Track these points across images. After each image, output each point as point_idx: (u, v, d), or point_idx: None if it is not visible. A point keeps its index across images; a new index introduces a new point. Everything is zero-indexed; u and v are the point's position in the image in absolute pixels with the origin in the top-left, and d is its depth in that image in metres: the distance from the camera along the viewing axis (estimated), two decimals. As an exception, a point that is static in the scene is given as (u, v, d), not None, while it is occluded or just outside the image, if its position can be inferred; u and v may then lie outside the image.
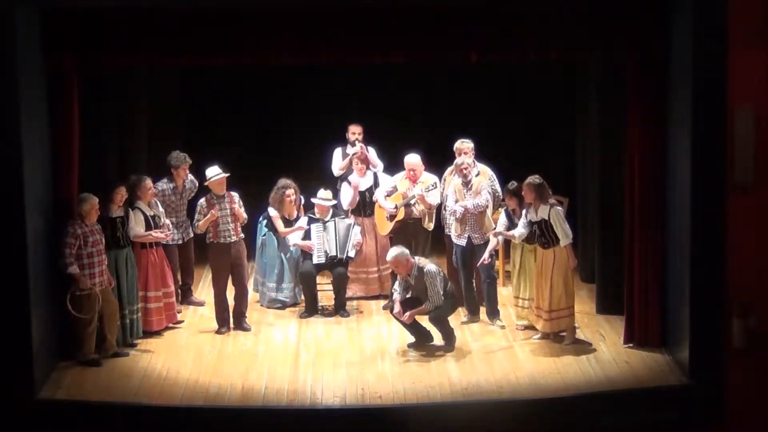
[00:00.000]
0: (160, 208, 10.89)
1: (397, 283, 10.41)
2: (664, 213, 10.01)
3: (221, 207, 10.73)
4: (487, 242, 10.73)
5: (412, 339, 10.54)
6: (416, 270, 10.18)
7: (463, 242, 10.82)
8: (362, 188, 11.79)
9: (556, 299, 10.26)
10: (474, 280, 11.06)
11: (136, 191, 10.61)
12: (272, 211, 11.51)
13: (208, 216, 10.67)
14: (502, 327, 10.79)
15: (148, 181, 10.74)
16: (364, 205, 11.77)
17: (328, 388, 9.53)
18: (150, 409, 9.18)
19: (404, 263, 10.20)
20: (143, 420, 9.14)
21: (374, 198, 11.83)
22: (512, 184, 10.73)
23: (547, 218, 10.19)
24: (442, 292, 10.18)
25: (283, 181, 11.56)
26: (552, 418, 9.19)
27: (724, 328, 9.39)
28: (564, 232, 10.22)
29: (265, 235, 11.61)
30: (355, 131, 12.10)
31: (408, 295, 10.36)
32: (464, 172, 10.89)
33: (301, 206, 11.72)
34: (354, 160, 11.82)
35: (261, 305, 11.60)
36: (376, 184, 11.84)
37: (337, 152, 12.13)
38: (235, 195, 10.89)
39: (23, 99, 9.04)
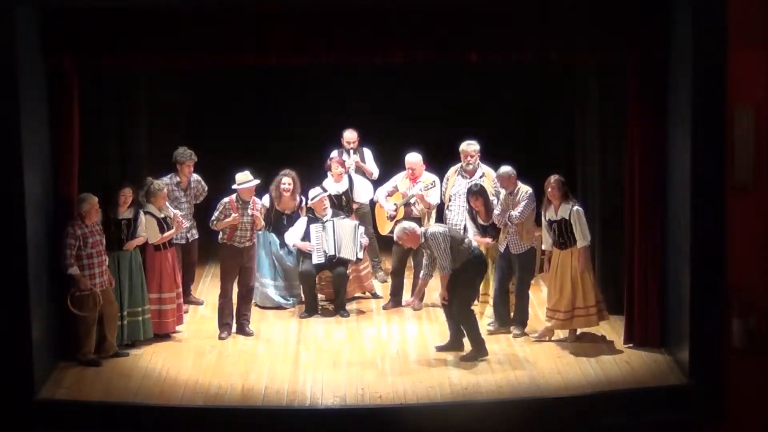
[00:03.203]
0: (171, 210, 10.84)
1: (424, 259, 10.24)
2: (664, 213, 10.01)
3: (244, 213, 10.70)
4: (526, 251, 10.54)
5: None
6: (422, 238, 10.03)
7: (501, 248, 10.66)
8: (337, 192, 11.76)
9: (583, 298, 10.23)
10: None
11: (149, 196, 10.57)
12: (265, 200, 11.38)
13: (230, 219, 10.63)
14: (517, 335, 10.69)
15: (165, 190, 10.73)
16: (341, 209, 11.73)
17: (328, 388, 9.53)
18: (150, 409, 9.19)
19: (407, 236, 10.05)
20: (143, 420, 9.14)
21: (375, 197, 11.84)
22: (476, 185, 10.72)
23: (567, 218, 10.16)
24: (447, 256, 9.87)
25: (284, 170, 11.51)
26: (552, 418, 9.19)
27: (724, 328, 9.40)
28: (582, 234, 10.18)
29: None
30: (349, 140, 12.04)
31: (431, 269, 10.15)
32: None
33: (302, 206, 11.68)
34: (333, 164, 11.78)
35: (255, 303, 11.51)
36: (351, 187, 11.83)
37: (334, 155, 12.08)
38: (259, 201, 10.86)
39: (23, 99, 9.05)
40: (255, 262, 11.00)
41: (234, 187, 10.76)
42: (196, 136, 12.85)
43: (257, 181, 10.79)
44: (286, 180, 11.43)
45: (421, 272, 10.33)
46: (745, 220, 9.34)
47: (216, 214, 10.77)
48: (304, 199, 11.62)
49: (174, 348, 10.50)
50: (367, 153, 12.24)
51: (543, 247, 10.61)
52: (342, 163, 11.81)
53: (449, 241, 9.91)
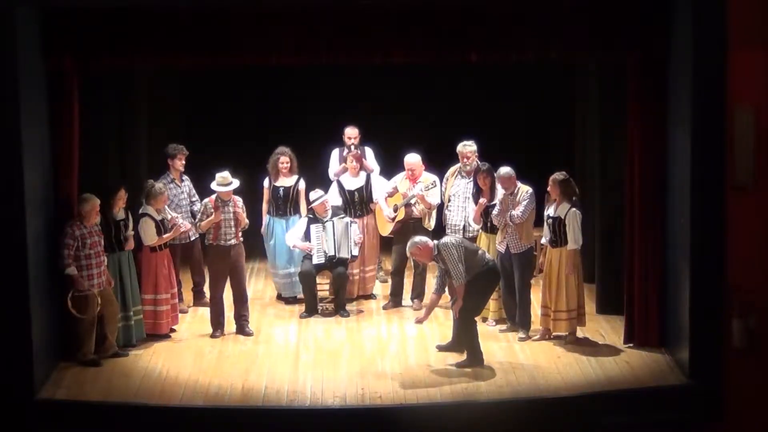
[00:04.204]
0: (169, 213, 10.88)
1: (436, 273, 10.16)
2: (664, 213, 10.01)
3: (225, 210, 10.73)
4: (524, 251, 10.53)
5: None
6: (436, 250, 9.90)
7: (502, 249, 10.67)
8: (353, 188, 11.78)
9: (564, 300, 10.26)
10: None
11: (150, 198, 10.60)
12: (266, 183, 11.59)
13: (212, 218, 10.67)
14: (522, 339, 10.64)
15: (166, 193, 10.80)
16: (354, 206, 11.74)
17: (328, 388, 9.52)
18: (150, 409, 9.18)
19: (419, 251, 9.93)
20: (143, 420, 9.14)
21: (375, 199, 11.82)
22: (484, 164, 10.79)
23: (563, 217, 10.19)
24: (462, 267, 9.77)
25: (279, 148, 11.64)
26: (552, 418, 9.19)
27: (724, 328, 9.40)
28: (574, 237, 10.19)
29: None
30: (351, 135, 12.03)
31: (442, 284, 10.04)
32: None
33: (300, 188, 11.69)
34: (348, 158, 11.80)
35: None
36: (368, 185, 11.83)
37: (335, 154, 12.10)
38: (239, 199, 10.88)
39: (23, 99, 9.05)
40: (243, 260, 10.98)
41: (213, 187, 10.77)
42: (196, 136, 12.85)
43: (237, 184, 10.80)
44: (284, 159, 11.60)
45: (433, 288, 10.18)
46: (745, 220, 9.33)
47: (199, 215, 10.85)
48: (302, 181, 11.69)
49: (174, 348, 10.50)
50: (368, 151, 12.23)
51: (541, 241, 10.64)
52: (358, 157, 11.80)
53: (462, 251, 9.83)
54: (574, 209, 10.23)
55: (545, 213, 10.45)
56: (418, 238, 10.05)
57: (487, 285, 10.06)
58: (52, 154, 9.72)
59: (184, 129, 13.46)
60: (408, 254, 10.22)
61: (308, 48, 9.82)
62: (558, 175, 10.31)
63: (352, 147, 11.95)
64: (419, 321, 10.20)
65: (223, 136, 13.71)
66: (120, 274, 10.28)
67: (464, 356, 10.05)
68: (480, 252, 10.10)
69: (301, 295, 11.67)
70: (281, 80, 13.65)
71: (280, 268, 11.74)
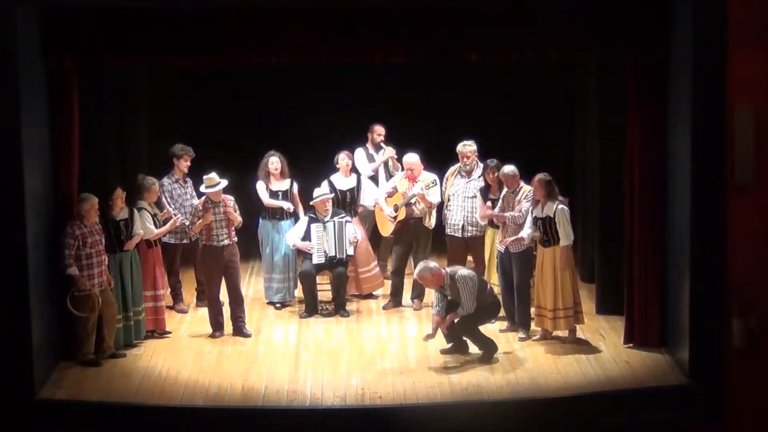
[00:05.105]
0: (164, 208, 10.90)
1: (434, 296, 10.19)
2: (664, 213, 10.01)
3: (216, 211, 10.73)
4: (524, 251, 10.54)
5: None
6: (449, 279, 9.97)
7: (502, 248, 10.69)
8: (344, 188, 11.77)
9: (561, 298, 10.27)
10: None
11: (143, 191, 10.62)
12: (259, 185, 11.57)
13: (202, 220, 10.68)
14: (522, 339, 10.65)
15: (157, 185, 10.83)
16: (344, 206, 11.71)
17: (328, 388, 9.53)
18: (150, 409, 9.19)
19: (431, 277, 10.00)
20: (143, 420, 9.14)
21: (375, 200, 11.82)
22: (492, 161, 10.87)
23: (552, 216, 10.20)
24: (472, 300, 9.91)
25: (269, 152, 11.62)
26: (552, 418, 9.20)
27: (724, 328, 9.40)
28: (565, 233, 10.22)
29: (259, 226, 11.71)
30: (380, 132, 12.07)
31: (445, 306, 10.07)
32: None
33: (294, 192, 11.69)
34: (341, 155, 11.77)
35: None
36: (358, 186, 11.82)
37: (360, 153, 12.08)
38: (230, 199, 10.88)
39: (23, 99, 9.05)
40: (238, 260, 10.97)
41: (202, 190, 10.77)
42: (196, 136, 12.85)
43: (225, 183, 10.79)
44: (273, 159, 11.55)
45: (433, 309, 10.19)
46: (745, 220, 9.33)
47: (191, 218, 10.86)
48: (295, 183, 11.67)
49: (174, 348, 10.50)
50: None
51: (527, 242, 10.63)
52: (350, 156, 11.79)
53: (476, 285, 9.96)
54: (561, 206, 10.25)
55: (532, 215, 10.41)
56: (432, 264, 10.08)
57: (487, 315, 10.24)
58: (52, 154, 9.72)
59: (184, 129, 13.47)
60: (416, 277, 10.20)
61: (308, 48, 9.82)
62: (543, 176, 10.31)
63: (382, 144, 11.97)
64: (428, 338, 10.19)
65: (222, 137, 13.71)
66: (121, 275, 10.28)
67: (465, 356, 10.12)
68: (489, 287, 10.24)
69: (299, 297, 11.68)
70: (282, 80, 13.65)
71: (273, 273, 11.69)
